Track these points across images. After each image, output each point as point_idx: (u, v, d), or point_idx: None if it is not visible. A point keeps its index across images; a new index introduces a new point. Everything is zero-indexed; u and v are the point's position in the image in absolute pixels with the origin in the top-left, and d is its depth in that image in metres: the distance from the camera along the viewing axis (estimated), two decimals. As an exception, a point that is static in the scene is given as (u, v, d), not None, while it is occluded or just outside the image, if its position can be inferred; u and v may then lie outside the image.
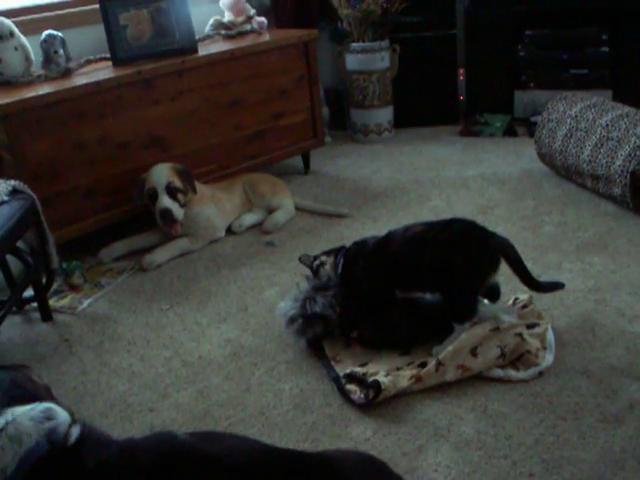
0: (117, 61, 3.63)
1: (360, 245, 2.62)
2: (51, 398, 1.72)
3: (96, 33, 3.81)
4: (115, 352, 2.72)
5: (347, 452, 1.78)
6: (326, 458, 1.53)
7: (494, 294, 2.51)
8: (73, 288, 3.23)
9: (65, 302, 3.13)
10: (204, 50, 3.86)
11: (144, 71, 3.48)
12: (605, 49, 4.78)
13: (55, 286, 3.18)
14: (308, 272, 2.77)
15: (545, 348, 2.39)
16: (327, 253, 2.72)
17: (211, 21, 4.33)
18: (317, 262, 2.71)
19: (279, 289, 3.04)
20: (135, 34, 3.67)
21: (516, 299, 2.64)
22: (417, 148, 4.76)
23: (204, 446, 1.44)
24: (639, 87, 4.66)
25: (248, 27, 4.29)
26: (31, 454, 1.36)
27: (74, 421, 1.48)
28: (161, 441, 1.47)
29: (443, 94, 5.16)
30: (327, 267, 2.66)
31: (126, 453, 1.42)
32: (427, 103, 5.17)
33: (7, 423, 1.38)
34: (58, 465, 1.37)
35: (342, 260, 2.63)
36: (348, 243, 2.71)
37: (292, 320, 2.55)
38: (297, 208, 3.84)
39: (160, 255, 3.40)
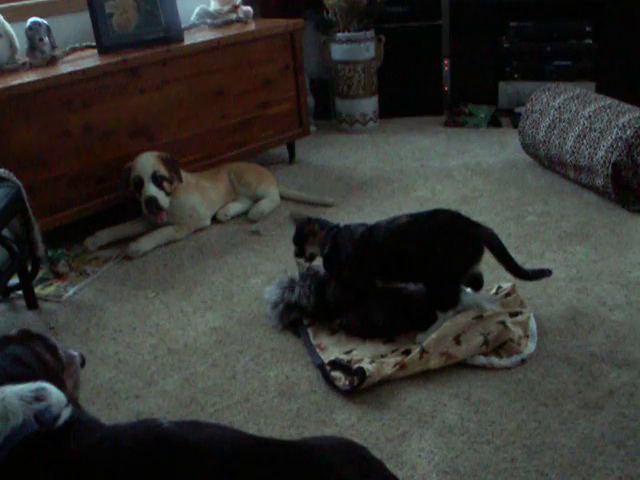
0: (102, 49, 3.62)
1: (349, 231, 2.60)
2: (60, 375, 1.73)
3: (81, 21, 3.80)
4: (101, 340, 2.73)
5: (327, 438, 1.80)
6: (307, 446, 1.54)
7: (477, 283, 2.53)
8: (59, 276, 3.23)
9: (51, 290, 3.13)
10: (190, 39, 3.86)
11: (129, 59, 3.48)
12: (589, 41, 4.81)
13: (40, 274, 3.18)
14: (293, 260, 2.79)
15: (528, 336, 2.43)
16: (322, 224, 2.65)
17: (197, 10, 4.32)
18: (308, 229, 2.65)
19: (264, 277, 3.05)
20: (121, 22, 3.66)
21: (499, 288, 2.67)
22: (402, 138, 4.78)
23: (188, 434, 1.45)
24: (622, 79, 4.70)
25: (234, 16, 4.29)
26: (17, 432, 1.36)
27: (68, 403, 1.48)
28: (146, 428, 1.48)
29: (428, 85, 5.17)
30: (315, 239, 2.64)
31: (110, 439, 1.43)
32: (412, 93, 5.18)
33: None
34: (42, 446, 1.38)
35: (330, 241, 2.59)
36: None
37: (275, 305, 2.64)
38: (282, 197, 3.85)
39: (146, 243, 3.41)
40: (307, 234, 2.65)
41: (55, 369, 1.76)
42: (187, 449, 1.39)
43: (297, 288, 2.63)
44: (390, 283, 2.59)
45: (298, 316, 2.62)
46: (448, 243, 2.37)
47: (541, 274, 2.54)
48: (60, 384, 1.64)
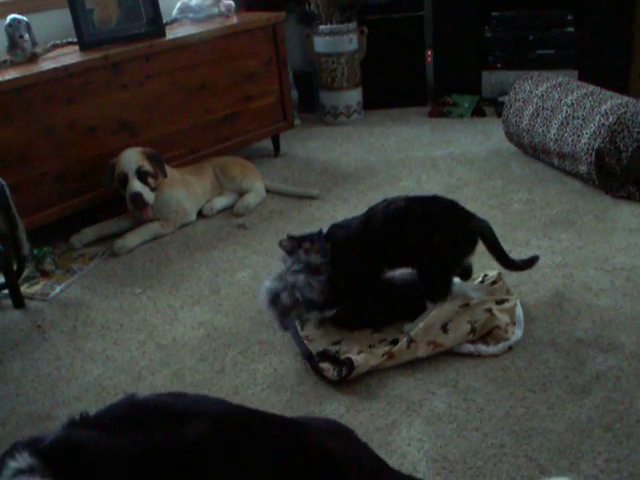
0: (84, 45, 3.60)
1: (344, 228, 2.56)
2: None
3: (62, 17, 3.78)
4: (89, 337, 2.72)
5: (316, 418, 1.81)
6: (294, 419, 1.56)
7: (467, 273, 2.54)
8: (44, 274, 3.22)
9: (37, 288, 3.12)
10: (172, 34, 3.85)
11: (111, 55, 3.46)
12: (570, 29, 4.83)
13: (26, 272, 3.16)
14: (280, 254, 2.76)
15: (514, 323, 2.44)
16: (310, 240, 2.56)
17: (178, 4, 4.31)
18: (301, 250, 2.54)
19: (251, 271, 3.05)
20: (102, 18, 3.64)
21: (485, 276, 2.68)
22: (386, 129, 4.79)
23: (174, 402, 1.43)
24: (604, 66, 4.73)
25: (216, 10, 4.28)
26: None
27: None
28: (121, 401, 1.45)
29: (411, 75, 5.17)
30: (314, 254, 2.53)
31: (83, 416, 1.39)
32: (396, 84, 5.19)
33: None
34: None
35: (328, 245, 2.52)
36: (319, 224, 2.71)
37: (275, 298, 2.46)
38: (268, 190, 3.85)
39: (131, 239, 3.40)
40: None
41: None
42: (173, 414, 1.37)
43: (314, 282, 2.44)
44: (392, 269, 2.56)
45: (306, 313, 2.48)
46: (446, 233, 2.37)
47: (530, 263, 2.55)
48: None
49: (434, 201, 2.48)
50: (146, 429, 1.34)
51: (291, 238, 2.59)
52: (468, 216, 2.43)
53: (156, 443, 1.31)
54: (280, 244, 2.64)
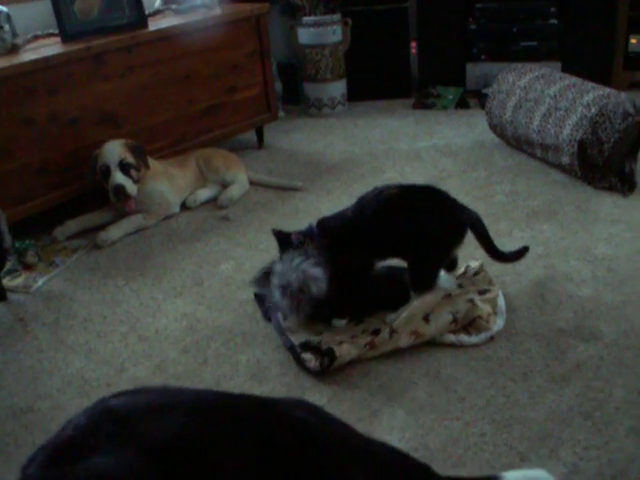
0: (66, 37, 3.57)
1: (336, 219, 2.53)
2: None
3: (43, 8, 3.76)
4: (71, 329, 2.71)
5: (281, 397, 1.84)
6: (262, 397, 1.65)
7: (452, 265, 2.55)
8: (27, 267, 3.20)
9: (19, 281, 3.10)
10: (155, 25, 3.83)
11: (93, 47, 3.44)
12: (554, 21, 4.85)
13: (9, 265, 3.14)
14: (263, 246, 2.76)
15: (496, 313, 2.45)
16: (303, 234, 2.50)
17: (161, -4, 4.29)
18: (299, 242, 2.49)
19: (234, 263, 3.05)
20: (83, 9, 3.61)
21: (467, 266, 2.69)
22: (370, 121, 4.79)
23: (140, 400, 1.45)
24: (587, 58, 4.75)
25: (199, 1, 4.26)
26: None
27: None
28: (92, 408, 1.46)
29: (396, 67, 5.18)
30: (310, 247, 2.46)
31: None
32: (380, 76, 5.19)
33: None
34: None
35: (324, 241, 2.46)
36: (303, 215, 2.71)
37: (286, 287, 2.37)
38: (251, 182, 3.85)
39: (114, 232, 3.39)
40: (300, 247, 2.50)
41: None
42: (148, 412, 1.38)
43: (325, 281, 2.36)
44: (382, 259, 2.54)
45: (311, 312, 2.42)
46: (438, 223, 2.37)
47: (519, 254, 2.56)
48: None
49: (427, 191, 2.48)
50: (128, 438, 1.34)
51: (279, 233, 2.56)
52: (460, 207, 2.43)
53: (145, 444, 1.32)
54: (274, 233, 2.57)
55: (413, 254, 2.40)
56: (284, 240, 2.53)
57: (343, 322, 2.49)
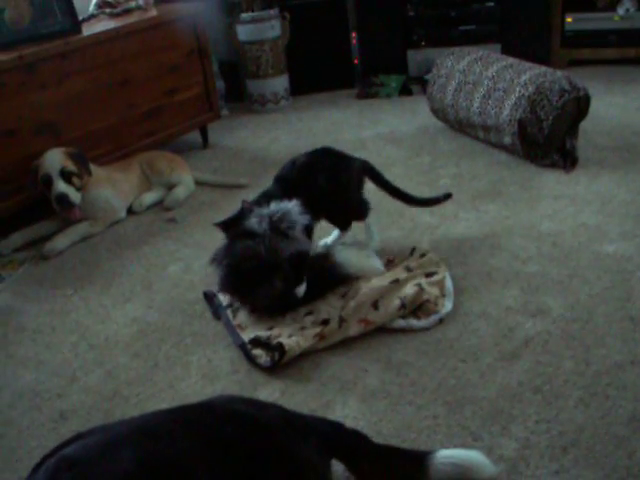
0: (-4, 47, 3.51)
1: (263, 198, 2.59)
2: None
3: (-28, 19, 3.68)
4: (20, 343, 2.67)
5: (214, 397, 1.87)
6: (200, 402, 1.69)
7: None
8: (-28, 283, 3.15)
9: (-36, 298, 3.05)
10: (89, 30, 3.77)
11: (25, 55, 3.38)
12: (491, 4, 4.90)
13: (-47, 282, 3.09)
14: (211, 245, 2.73)
15: (444, 295, 2.46)
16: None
17: (94, 0, 4.23)
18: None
19: (182, 264, 3.03)
20: (14, 17, 3.54)
21: (413, 249, 2.70)
22: (315, 114, 4.78)
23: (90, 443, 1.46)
24: (525, 39, 4.80)
25: (133, 4, 4.22)
26: None
27: None
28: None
29: (337, 59, 5.19)
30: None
31: None
32: (322, 69, 5.19)
33: None
34: None
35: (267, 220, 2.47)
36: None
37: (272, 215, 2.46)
38: (197, 182, 3.82)
39: (61, 241, 3.34)
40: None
41: None
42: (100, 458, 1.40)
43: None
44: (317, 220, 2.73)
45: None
46: (350, 170, 2.74)
47: (437, 200, 2.88)
48: None
49: (327, 151, 2.79)
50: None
51: (222, 223, 2.55)
52: (353, 157, 2.82)
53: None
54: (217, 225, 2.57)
55: (339, 202, 2.72)
56: (230, 224, 2.52)
57: (304, 287, 2.50)
